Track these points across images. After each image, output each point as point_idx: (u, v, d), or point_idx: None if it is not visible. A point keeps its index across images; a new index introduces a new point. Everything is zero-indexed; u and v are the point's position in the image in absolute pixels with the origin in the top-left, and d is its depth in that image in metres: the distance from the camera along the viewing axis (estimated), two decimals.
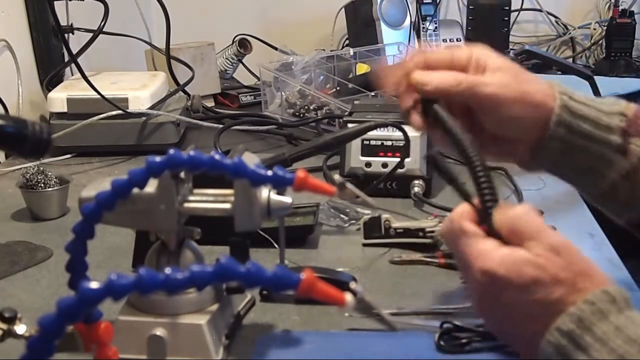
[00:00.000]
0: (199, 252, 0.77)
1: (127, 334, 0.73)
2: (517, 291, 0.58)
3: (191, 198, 0.74)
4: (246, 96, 1.88)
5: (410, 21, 2.04)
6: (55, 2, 1.44)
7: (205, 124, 1.53)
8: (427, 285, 0.90)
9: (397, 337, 0.77)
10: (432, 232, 0.96)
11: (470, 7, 1.40)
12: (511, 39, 2.17)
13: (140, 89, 1.45)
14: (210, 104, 1.85)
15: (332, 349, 0.76)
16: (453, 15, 2.29)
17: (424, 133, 0.75)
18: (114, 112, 1.39)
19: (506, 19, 1.38)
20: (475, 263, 0.60)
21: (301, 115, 1.62)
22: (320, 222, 1.06)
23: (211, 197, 0.74)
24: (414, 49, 0.77)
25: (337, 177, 0.86)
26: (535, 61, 1.94)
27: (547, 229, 0.60)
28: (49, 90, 1.47)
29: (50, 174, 1.11)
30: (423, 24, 2.14)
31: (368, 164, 1.18)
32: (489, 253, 0.60)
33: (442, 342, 0.74)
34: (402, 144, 1.13)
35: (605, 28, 2.20)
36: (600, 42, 2.26)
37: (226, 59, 1.97)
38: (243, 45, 1.95)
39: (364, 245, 1.00)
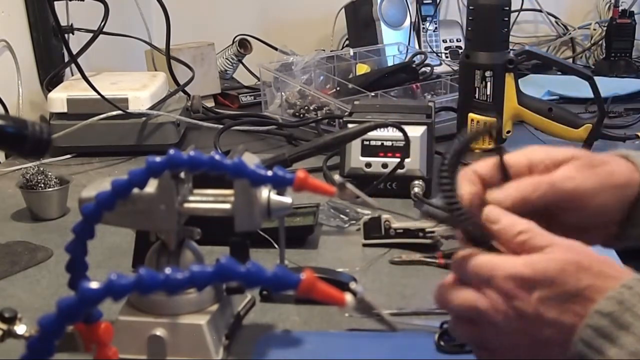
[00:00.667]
0: (199, 252, 0.77)
1: (127, 334, 0.73)
2: (547, 287, 0.58)
3: (191, 198, 0.74)
4: (246, 96, 1.88)
5: (410, 21, 2.04)
6: (55, 2, 1.44)
7: (205, 124, 1.53)
8: (427, 285, 0.89)
9: (397, 338, 0.77)
10: (432, 232, 0.96)
11: (470, 7, 1.40)
12: (511, 39, 2.16)
13: (140, 89, 1.45)
14: (210, 104, 1.85)
15: (332, 349, 0.76)
16: (453, 16, 2.30)
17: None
18: (114, 113, 1.39)
19: (506, 19, 1.38)
20: (497, 273, 0.59)
21: (301, 115, 1.62)
22: (320, 222, 1.06)
23: (211, 197, 0.74)
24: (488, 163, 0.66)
25: (337, 177, 0.86)
26: (535, 62, 1.94)
27: (558, 238, 0.60)
28: (49, 91, 1.48)
29: (50, 174, 1.11)
30: (423, 24, 2.14)
31: (368, 165, 1.18)
32: (508, 260, 0.59)
33: (442, 342, 0.74)
34: (402, 145, 1.14)
35: (605, 28, 2.20)
36: (600, 42, 2.26)
37: (226, 59, 1.97)
38: (243, 45, 1.95)
39: (364, 245, 1.00)
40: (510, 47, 1.44)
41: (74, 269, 0.72)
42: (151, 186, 0.70)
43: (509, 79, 1.39)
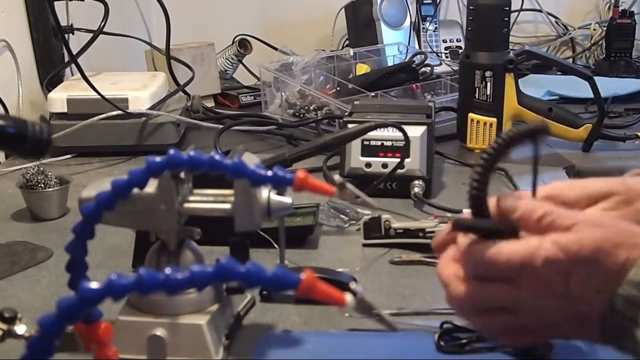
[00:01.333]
0: (199, 252, 0.77)
1: (127, 334, 0.73)
2: (584, 267, 0.57)
3: (191, 198, 0.74)
4: (246, 96, 1.88)
5: (410, 21, 2.04)
6: (55, 2, 1.44)
7: (205, 124, 1.53)
8: (427, 285, 0.90)
9: (397, 338, 0.77)
10: (432, 232, 0.96)
11: (470, 7, 1.40)
12: (511, 39, 2.16)
13: (140, 89, 1.45)
14: (210, 104, 1.85)
15: (332, 349, 0.76)
16: (453, 16, 2.30)
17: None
18: (114, 113, 1.39)
19: (506, 19, 1.38)
20: (534, 260, 0.58)
21: (301, 115, 1.62)
22: (320, 222, 1.06)
23: (211, 197, 0.74)
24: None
25: (337, 177, 0.86)
26: (535, 62, 1.95)
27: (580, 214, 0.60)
28: (49, 91, 1.48)
29: (50, 174, 1.11)
30: (423, 24, 2.14)
31: (368, 165, 1.18)
32: (538, 246, 0.59)
33: (442, 342, 0.74)
34: (402, 145, 1.14)
35: (605, 28, 2.20)
36: (600, 42, 2.26)
37: (226, 59, 1.97)
38: (243, 45, 1.95)
39: (364, 245, 1.00)
40: (510, 47, 1.44)
41: (74, 269, 0.72)
42: (151, 186, 0.70)
43: (509, 79, 1.39)
